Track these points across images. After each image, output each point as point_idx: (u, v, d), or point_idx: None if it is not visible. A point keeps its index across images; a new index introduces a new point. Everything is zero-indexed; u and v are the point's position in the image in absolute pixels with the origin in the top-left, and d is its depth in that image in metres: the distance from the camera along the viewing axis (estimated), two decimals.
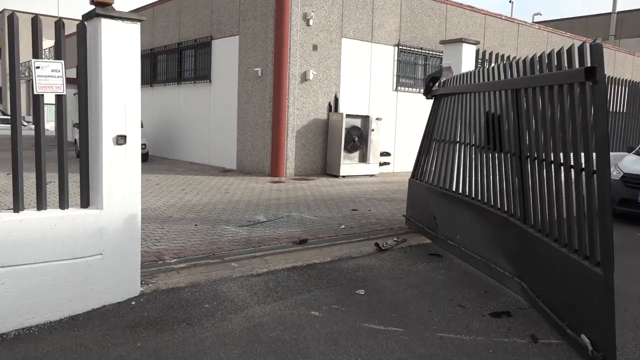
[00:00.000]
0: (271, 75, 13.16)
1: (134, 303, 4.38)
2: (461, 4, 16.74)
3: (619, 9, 29.19)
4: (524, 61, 4.79)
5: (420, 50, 15.74)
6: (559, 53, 4.10)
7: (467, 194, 5.97)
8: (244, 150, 14.27)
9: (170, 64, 17.70)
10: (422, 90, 15.99)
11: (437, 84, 7.51)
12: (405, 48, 15.36)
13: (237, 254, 5.91)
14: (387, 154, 14.90)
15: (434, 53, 16.10)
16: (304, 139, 13.52)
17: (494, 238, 5.30)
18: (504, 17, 18.18)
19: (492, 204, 5.36)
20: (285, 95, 13.06)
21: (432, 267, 5.87)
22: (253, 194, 10.45)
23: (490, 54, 7.48)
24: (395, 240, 6.89)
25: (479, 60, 7.59)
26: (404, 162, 15.74)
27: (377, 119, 14.02)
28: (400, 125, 15.57)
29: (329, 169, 13.84)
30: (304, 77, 13.32)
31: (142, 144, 15.73)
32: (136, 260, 4.49)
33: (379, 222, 8.04)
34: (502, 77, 5.27)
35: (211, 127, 15.59)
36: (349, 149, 13.62)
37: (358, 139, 13.72)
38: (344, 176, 13.58)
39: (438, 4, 16.09)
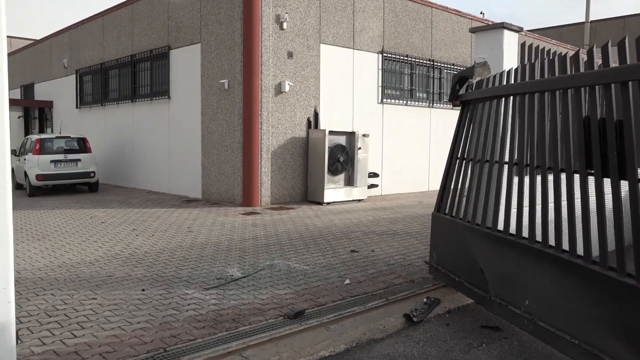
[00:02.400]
0: (240, 87, 11.14)
1: None
2: (447, 7, 15.15)
3: (593, 18, 28.38)
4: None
5: (406, 58, 14.00)
6: None
7: (543, 240, 4.03)
8: (209, 176, 12.14)
9: (124, 79, 15.47)
10: (410, 102, 14.39)
11: (464, 87, 5.63)
12: (390, 56, 13.58)
13: (202, 348, 3.80)
14: (374, 174, 13.00)
15: (421, 61, 14.39)
16: (281, 160, 11.50)
17: (605, 314, 3.36)
18: (490, 23, 16.66)
19: (602, 261, 3.43)
20: (258, 111, 11.05)
21: (498, 355, 3.88)
22: (223, 232, 8.33)
23: (530, 46, 5.66)
24: (425, 303, 4.90)
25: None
26: (393, 183, 13.89)
27: (364, 135, 12.13)
28: (387, 141, 13.72)
29: (311, 195, 11.83)
30: (278, 89, 11.35)
31: (90, 172, 13.36)
32: None
33: (392, 270, 6.04)
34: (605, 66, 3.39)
35: (171, 150, 13.40)
36: (334, 171, 11.66)
37: (343, 159, 11.78)
38: (328, 203, 11.59)
39: (423, 7, 14.43)
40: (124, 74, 15.45)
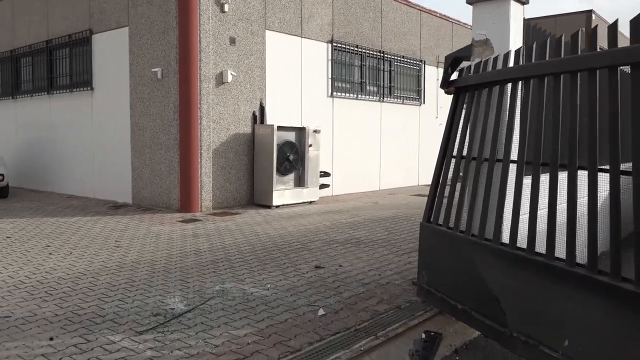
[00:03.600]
0: (176, 77, 9.73)
1: None
2: None
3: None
4: None
5: (356, 49, 13.03)
6: None
7: (590, 264, 3.09)
8: (141, 178, 10.64)
9: (38, 68, 13.53)
10: (360, 97, 13.46)
11: (457, 70, 4.66)
12: (340, 46, 12.57)
13: None
14: (326, 174, 11.95)
15: (372, 53, 13.48)
16: (224, 159, 10.20)
17: None
18: (438, 15, 16.07)
19: None
20: (197, 104, 9.69)
21: None
22: (158, 245, 6.98)
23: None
24: (425, 340, 3.88)
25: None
26: (345, 183, 12.92)
27: (315, 131, 11.04)
28: (338, 138, 12.71)
29: (258, 198, 10.61)
30: (220, 80, 10.04)
31: None
32: None
33: (371, 293, 4.99)
34: None
35: (96, 148, 11.73)
36: (283, 170, 10.50)
37: (293, 157, 10.64)
38: (277, 206, 10.41)
39: None
40: (38, 62, 13.51)
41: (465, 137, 4.38)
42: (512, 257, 3.60)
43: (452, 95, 4.69)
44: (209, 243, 7.11)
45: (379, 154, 14.01)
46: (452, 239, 4.27)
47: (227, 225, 8.45)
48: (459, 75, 4.63)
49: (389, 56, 14.09)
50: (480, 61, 4.38)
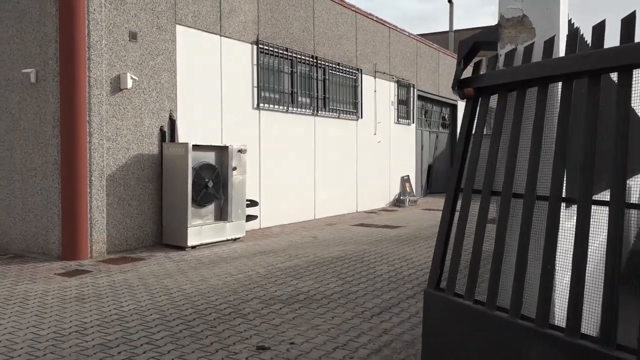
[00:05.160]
0: (56, 80, 7.85)
1: None
2: None
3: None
4: None
5: (286, 53, 11.70)
6: None
7: None
8: (8, 214, 8.54)
9: None
10: (291, 109, 12.08)
11: (474, 64, 3.38)
12: (267, 48, 11.17)
13: None
14: (253, 202, 10.40)
15: (303, 58, 12.21)
16: (123, 188, 8.39)
17: None
18: (375, 19, 15.18)
19: None
20: (85, 115, 7.85)
21: None
22: (23, 320, 5.10)
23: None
24: None
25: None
26: (276, 212, 11.48)
27: (240, 150, 9.50)
28: (266, 158, 11.24)
29: (168, 237, 8.86)
30: (117, 85, 8.27)
31: None
32: None
33: None
34: None
35: None
36: (200, 201, 8.84)
37: (213, 184, 9.02)
38: (194, 246, 8.72)
39: None
40: None
41: (494, 162, 3.09)
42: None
43: (464, 100, 3.40)
44: (98, 312, 5.33)
45: (314, 177, 12.69)
46: (484, 319, 2.93)
47: (126, 279, 6.67)
48: (475, 71, 3.35)
49: (323, 62, 12.90)
50: (514, 49, 3.13)
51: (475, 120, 3.25)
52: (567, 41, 2.84)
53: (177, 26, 9.26)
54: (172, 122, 9.14)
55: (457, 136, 3.63)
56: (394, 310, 5.48)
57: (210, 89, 9.92)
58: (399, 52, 16.45)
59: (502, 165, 3.08)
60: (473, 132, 3.26)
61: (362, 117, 14.45)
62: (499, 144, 3.08)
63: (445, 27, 34.37)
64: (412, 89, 17.33)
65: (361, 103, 14.39)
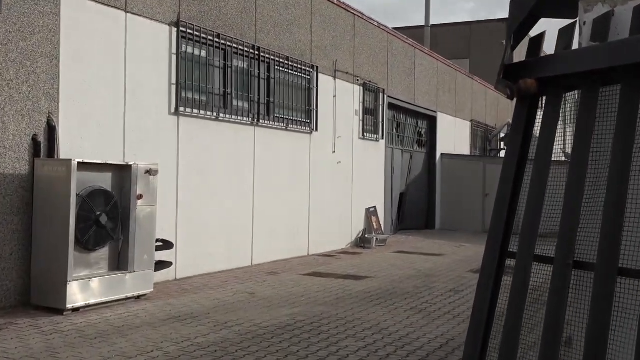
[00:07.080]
0: None
1: None
2: None
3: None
4: None
5: (217, 41, 10.84)
6: None
7: None
8: None
9: None
10: (223, 116, 11.22)
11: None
12: (191, 32, 10.26)
13: None
14: (166, 244, 9.34)
15: (241, 49, 11.40)
16: None
17: None
18: (335, 2, 14.63)
19: None
20: None
21: None
22: None
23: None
24: None
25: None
26: (198, 257, 10.58)
27: (149, 171, 8.53)
28: (186, 182, 10.26)
29: (39, 295, 7.77)
30: None
31: None
32: None
33: None
34: None
35: None
36: (88, 242, 7.80)
37: (108, 218, 7.96)
38: (77, 309, 7.59)
39: None
40: None
41: (576, 207, 2.18)
42: None
43: (513, 100, 2.51)
44: None
45: (252, 208, 11.81)
46: None
47: None
48: (533, 52, 2.46)
49: (267, 56, 12.13)
50: (610, 11, 2.26)
51: (539, 132, 2.36)
52: None
53: None
54: (51, 130, 8.07)
55: (502, 161, 2.70)
56: None
57: (109, 86, 8.91)
58: (366, 47, 15.98)
59: (590, 213, 2.19)
60: (534, 152, 2.36)
61: (317, 129, 13.81)
62: (584, 174, 2.18)
63: (419, 22, 34.85)
64: (381, 95, 16.98)
65: (316, 111, 13.77)
